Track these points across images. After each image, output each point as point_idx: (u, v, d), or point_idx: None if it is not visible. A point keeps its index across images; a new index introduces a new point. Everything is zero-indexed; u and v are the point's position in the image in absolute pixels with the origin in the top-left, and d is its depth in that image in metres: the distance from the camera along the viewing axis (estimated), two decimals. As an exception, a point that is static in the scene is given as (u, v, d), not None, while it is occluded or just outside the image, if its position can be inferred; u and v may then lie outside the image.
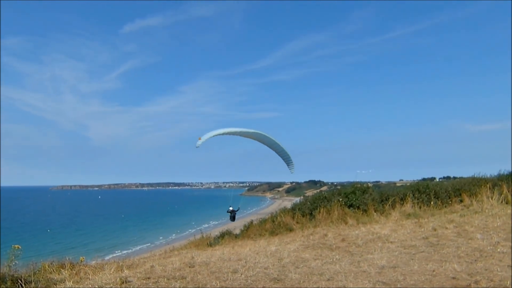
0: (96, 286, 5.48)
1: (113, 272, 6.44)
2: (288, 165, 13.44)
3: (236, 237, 13.18)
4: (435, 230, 9.27)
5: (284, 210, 13.38)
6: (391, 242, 8.18)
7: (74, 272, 6.57)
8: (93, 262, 8.04)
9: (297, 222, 12.26)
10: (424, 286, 5.05)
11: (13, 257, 6.12)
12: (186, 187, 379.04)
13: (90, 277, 6.11)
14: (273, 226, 12.24)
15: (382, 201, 13.31)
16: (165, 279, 5.77)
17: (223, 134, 12.14)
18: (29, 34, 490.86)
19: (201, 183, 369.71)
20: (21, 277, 5.76)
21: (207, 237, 14.29)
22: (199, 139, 11.57)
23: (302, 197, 16.33)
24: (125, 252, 45.13)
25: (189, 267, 6.74)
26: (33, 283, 5.75)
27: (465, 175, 18.10)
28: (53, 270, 6.62)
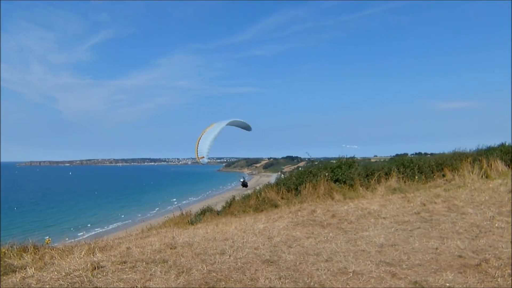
0: (63, 273, 4.65)
1: (83, 255, 5.59)
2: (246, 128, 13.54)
3: (218, 214, 12.59)
4: (424, 205, 9.06)
5: (268, 185, 12.86)
6: (384, 217, 7.84)
7: (38, 256, 5.64)
8: (61, 244, 7.10)
9: (282, 198, 11.80)
10: (432, 266, 4.65)
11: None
12: (163, 163, 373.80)
13: (56, 262, 5.25)
14: (257, 202, 11.72)
15: (367, 175, 13.06)
16: (144, 263, 5.04)
17: (213, 139, 11.50)
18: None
19: (177, 159, 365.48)
20: None
21: (187, 214, 13.60)
22: (201, 157, 11.06)
23: (279, 173, 16.04)
24: (103, 230, 43.89)
25: (170, 248, 6.04)
26: None
27: (435, 151, 18.07)
28: (13, 255, 5.64)
